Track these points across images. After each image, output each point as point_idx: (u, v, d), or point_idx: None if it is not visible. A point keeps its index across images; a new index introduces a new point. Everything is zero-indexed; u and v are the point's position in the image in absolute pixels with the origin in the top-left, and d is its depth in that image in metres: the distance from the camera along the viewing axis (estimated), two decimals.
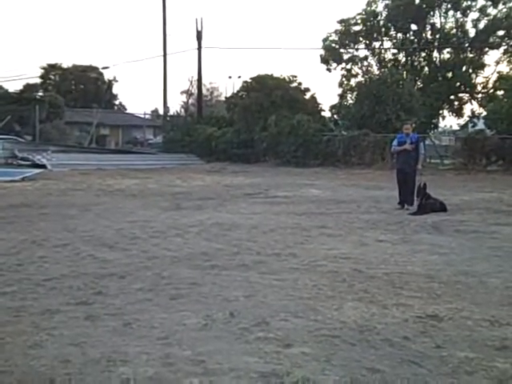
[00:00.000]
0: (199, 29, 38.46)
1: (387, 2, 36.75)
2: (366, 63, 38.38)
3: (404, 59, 37.74)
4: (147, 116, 54.84)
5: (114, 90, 60.58)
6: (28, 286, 6.21)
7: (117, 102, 61.90)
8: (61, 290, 6.06)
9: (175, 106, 46.25)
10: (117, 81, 59.43)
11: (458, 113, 37.76)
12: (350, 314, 5.24)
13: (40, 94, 44.91)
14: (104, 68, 50.86)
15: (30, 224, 10.57)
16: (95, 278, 6.53)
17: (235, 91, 36.49)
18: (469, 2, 35.66)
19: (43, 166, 26.27)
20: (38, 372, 3.97)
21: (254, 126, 31.72)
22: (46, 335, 4.69)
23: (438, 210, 12.38)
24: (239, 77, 51.71)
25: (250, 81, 34.22)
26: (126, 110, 60.67)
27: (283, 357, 4.24)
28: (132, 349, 4.37)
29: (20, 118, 37.17)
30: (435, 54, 37.34)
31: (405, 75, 32.92)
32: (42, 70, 54.24)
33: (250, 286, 6.22)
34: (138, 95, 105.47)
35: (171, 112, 43.86)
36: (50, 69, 55.22)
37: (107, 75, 57.65)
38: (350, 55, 38.35)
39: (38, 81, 51.53)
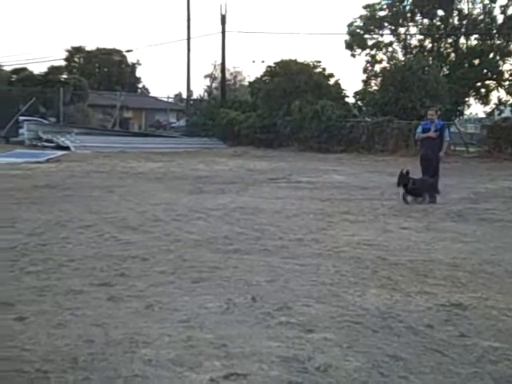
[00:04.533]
0: (223, 13, 38.36)
1: None
2: (390, 49, 38.05)
3: (430, 45, 37.32)
4: (170, 100, 54.86)
5: (138, 74, 60.70)
6: (52, 267, 6.26)
7: (140, 86, 62.00)
8: (84, 271, 6.10)
9: (198, 89, 46.21)
10: (140, 64, 59.48)
11: (485, 100, 37.31)
12: (373, 301, 5.20)
13: (64, 76, 45.12)
14: (128, 51, 50.99)
15: (54, 205, 10.65)
16: (118, 260, 6.56)
17: (259, 76, 36.38)
18: None
19: (67, 148, 26.48)
20: (61, 351, 3.99)
21: (277, 111, 31.62)
22: (70, 315, 4.72)
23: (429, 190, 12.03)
24: (263, 61, 51.64)
25: (273, 65, 34.11)
26: (149, 93, 60.74)
27: (305, 342, 4.22)
28: (154, 331, 4.38)
29: (45, 100, 37.40)
30: (462, 40, 36.91)
31: (430, 61, 32.56)
32: (67, 53, 54.44)
33: (272, 271, 6.20)
34: (162, 79, 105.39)
35: (194, 96, 43.90)
36: (75, 51, 55.38)
37: (131, 58, 57.74)
38: (374, 41, 38.03)
39: (63, 63, 51.72)
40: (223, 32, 38.24)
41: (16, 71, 44.15)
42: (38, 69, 48.94)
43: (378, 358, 3.97)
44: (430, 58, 34.09)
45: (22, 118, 32.67)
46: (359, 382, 3.63)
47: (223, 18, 38.24)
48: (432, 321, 4.71)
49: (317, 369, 3.78)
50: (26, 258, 6.60)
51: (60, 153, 23.55)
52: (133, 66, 58.90)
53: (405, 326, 4.59)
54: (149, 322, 4.56)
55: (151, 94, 59.08)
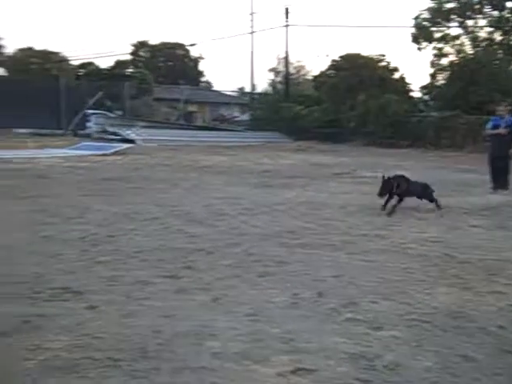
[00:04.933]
0: (287, 6, 38.37)
1: None
2: (458, 42, 37.14)
3: (500, 38, 36.26)
4: (234, 93, 55.15)
5: (201, 67, 61.32)
6: (120, 257, 6.37)
7: (203, 79, 62.58)
8: (151, 263, 6.18)
9: (262, 83, 46.22)
10: (203, 58, 60.07)
11: None
12: (442, 300, 5.08)
13: (130, 70, 45.99)
14: (191, 45, 51.56)
15: (121, 197, 10.86)
16: (184, 253, 6.61)
17: (323, 70, 36.18)
18: None
19: (132, 141, 26.91)
20: (130, 340, 4.06)
21: (341, 105, 31.38)
22: (138, 306, 4.79)
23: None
24: (327, 55, 51.29)
25: (338, 59, 33.86)
26: (212, 87, 61.23)
27: (372, 339, 4.16)
28: (221, 324, 4.40)
29: (111, 94, 38.18)
30: None
31: (500, 55, 31.66)
32: (133, 47, 55.41)
33: (338, 266, 6.16)
34: (225, 72, 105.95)
35: (258, 89, 43.94)
36: (140, 46, 56.35)
37: (194, 52, 58.38)
38: (441, 34, 37.20)
39: (129, 57, 52.66)
40: (287, 25, 38.23)
41: (83, 65, 45.27)
42: (105, 63, 49.98)
43: (448, 358, 3.88)
44: (500, 51, 33.15)
45: (88, 111, 33.43)
46: (430, 382, 3.56)
47: (287, 11, 38.25)
48: (504, 321, 4.57)
49: (385, 367, 3.72)
50: (96, 249, 6.75)
51: (126, 146, 23.97)
52: (196, 60, 59.52)
53: (476, 326, 4.47)
54: (215, 315, 4.58)
55: (215, 88, 59.55)
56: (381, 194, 9.91)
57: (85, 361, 3.72)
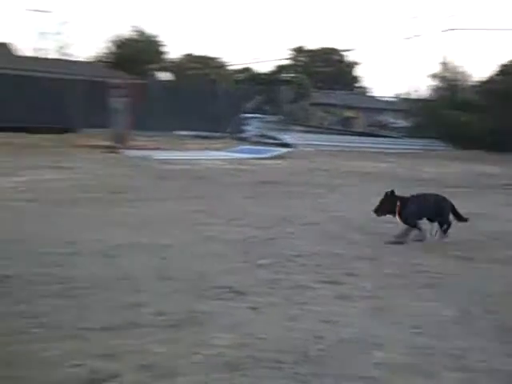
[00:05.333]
0: (450, 9, 37.16)
1: None
2: None
3: None
4: (392, 99, 54.18)
5: (357, 73, 61.03)
6: (279, 260, 6.39)
7: (360, 85, 62.15)
8: (310, 268, 6.15)
9: (423, 89, 44.76)
10: (359, 63, 59.83)
11: None
12: None
13: (288, 75, 46.72)
14: (347, 50, 51.56)
15: (280, 200, 10.97)
16: (344, 259, 6.54)
17: (490, 75, 34.51)
18: None
19: (290, 145, 27.10)
20: (292, 343, 4.04)
21: (507, 112, 29.75)
22: (298, 310, 4.77)
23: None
24: (493, 61, 49.02)
25: (506, 64, 32.23)
26: (369, 92, 60.61)
27: None
28: (384, 333, 4.28)
29: (268, 98, 38.93)
30: None
31: None
32: (292, 52, 56.26)
33: (506, 282, 5.82)
34: (383, 77, 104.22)
35: (418, 96, 42.75)
36: (298, 51, 57.10)
37: (350, 57, 58.28)
38: None
39: (287, 63, 53.49)
40: (448, 30, 37.06)
41: (242, 70, 46.70)
42: (263, 68, 51.18)
43: None
44: None
45: (246, 115, 34.20)
46: None
47: (449, 15, 37.05)
48: None
49: None
50: (256, 251, 6.81)
51: (283, 150, 24.16)
52: (352, 65, 59.35)
53: None
54: (379, 324, 4.48)
55: (372, 94, 58.92)
56: (377, 211, 7.84)
57: (248, 360, 3.75)
